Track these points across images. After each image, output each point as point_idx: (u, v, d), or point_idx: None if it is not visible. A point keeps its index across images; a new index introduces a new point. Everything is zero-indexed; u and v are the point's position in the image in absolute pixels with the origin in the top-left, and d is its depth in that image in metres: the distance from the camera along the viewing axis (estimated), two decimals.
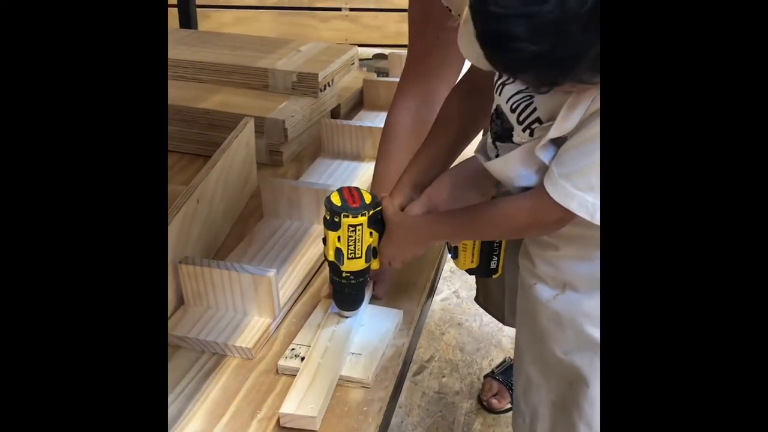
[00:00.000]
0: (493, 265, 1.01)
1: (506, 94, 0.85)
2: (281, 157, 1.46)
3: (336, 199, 0.94)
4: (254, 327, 1.00)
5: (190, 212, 1.07)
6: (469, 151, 1.14)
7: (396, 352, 0.99)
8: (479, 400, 1.79)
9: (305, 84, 1.56)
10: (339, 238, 0.94)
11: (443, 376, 1.88)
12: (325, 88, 1.59)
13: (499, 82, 0.87)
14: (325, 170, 1.40)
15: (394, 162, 1.11)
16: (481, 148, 0.93)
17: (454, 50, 1.10)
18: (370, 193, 0.96)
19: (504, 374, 1.79)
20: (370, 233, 0.95)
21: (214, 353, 0.98)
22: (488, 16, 0.66)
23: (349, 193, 0.95)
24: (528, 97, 0.83)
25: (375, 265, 0.99)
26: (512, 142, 0.86)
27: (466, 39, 0.90)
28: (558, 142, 0.80)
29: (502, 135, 0.87)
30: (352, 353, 0.96)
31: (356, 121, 1.48)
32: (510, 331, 1.97)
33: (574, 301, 0.92)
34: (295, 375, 0.92)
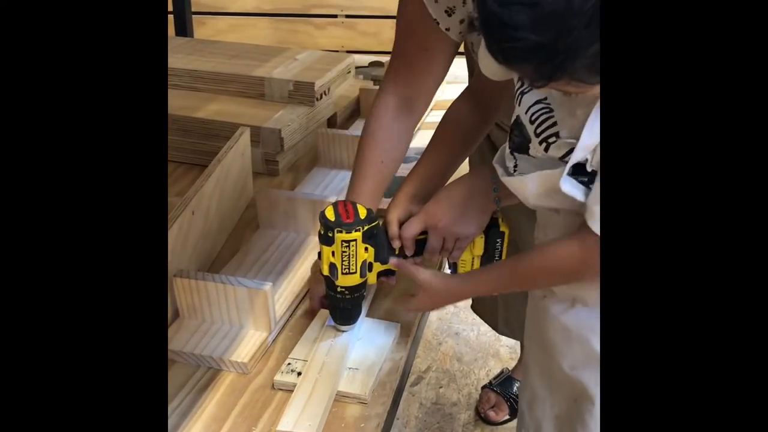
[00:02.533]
0: None
1: (525, 104, 0.83)
2: (277, 166, 1.45)
3: (330, 214, 0.93)
4: (250, 341, 0.98)
5: (186, 224, 1.06)
6: (465, 166, 1.12)
7: (394, 367, 0.97)
8: (477, 412, 1.78)
9: (302, 93, 1.55)
10: (333, 253, 0.93)
11: (441, 387, 1.87)
12: (321, 97, 1.58)
13: (518, 91, 0.85)
14: (322, 180, 1.39)
15: (370, 169, 1.06)
16: (500, 159, 0.91)
17: (438, 61, 1.08)
18: (366, 208, 0.95)
19: (502, 386, 1.78)
20: (365, 248, 0.94)
21: (209, 368, 0.97)
22: (493, 3, 0.65)
23: (344, 208, 0.93)
24: (547, 110, 0.81)
25: (372, 279, 0.98)
26: (529, 154, 0.84)
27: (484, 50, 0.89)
28: (577, 170, 0.78)
29: (520, 146, 0.86)
30: (350, 368, 0.95)
31: (352, 131, 1.47)
32: (507, 341, 1.96)
33: (582, 316, 0.91)
34: (292, 390, 0.91)
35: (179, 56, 1.69)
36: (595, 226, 0.77)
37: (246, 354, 0.96)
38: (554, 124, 0.80)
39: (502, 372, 1.83)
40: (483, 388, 1.81)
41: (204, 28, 3.43)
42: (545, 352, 0.96)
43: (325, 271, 0.95)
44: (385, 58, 1.87)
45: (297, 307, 1.09)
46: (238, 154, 1.27)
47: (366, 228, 0.93)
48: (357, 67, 1.85)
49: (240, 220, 1.29)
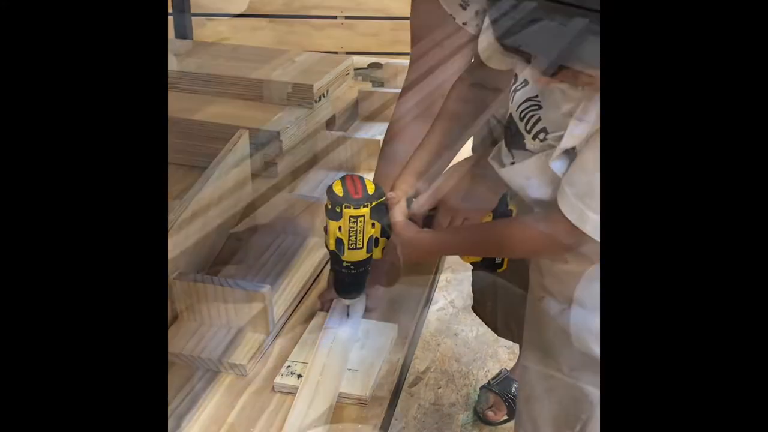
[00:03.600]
0: (498, 260, 1.00)
1: (517, 101, 0.84)
2: (276, 168, 1.45)
3: (338, 189, 0.92)
4: (248, 343, 0.99)
5: (185, 226, 1.06)
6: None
7: (391, 369, 0.98)
8: (475, 412, 1.78)
9: (300, 95, 1.55)
10: (340, 228, 0.92)
11: (439, 388, 1.87)
12: (320, 99, 1.58)
13: (512, 88, 0.86)
14: (321, 182, 1.39)
15: (396, 163, 1.09)
16: (496, 155, 0.92)
17: (456, 58, 1.09)
18: (374, 183, 0.94)
19: (500, 386, 1.79)
20: (372, 224, 0.93)
21: (207, 370, 0.97)
22: None
23: (352, 183, 0.93)
24: (536, 107, 0.82)
25: (377, 254, 0.98)
26: (526, 149, 0.85)
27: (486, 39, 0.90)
28: (570, 154, 0.79)
29: (516, 142, 0.86)
30: (349, 369, 0.95)
31: (351, 133, 1.47)
32: (506, 342, 1.96)
33: (580, 317, 0.91)
34: (292, 393, 0.91)
35: (178, 58, 1.69)
36: (565, 207, 0.78)
37: (244, 356, 0.97)
38: (540, 119, 0.81)
39: (500, 372, 1.83)
40: (481, 388, 1.82)
41: (204, 30, 3.43)
42: (544, 353, 0.97)
43: (332, 246, 0.94)
44: (385, 60, 1.88)
45: (295, 309, 1.09)
46: (237, 156, 1.27)
47: (374, 204, 0.92)
48: (356, 69, 1.85)
49: (239, 223, 1.30)
